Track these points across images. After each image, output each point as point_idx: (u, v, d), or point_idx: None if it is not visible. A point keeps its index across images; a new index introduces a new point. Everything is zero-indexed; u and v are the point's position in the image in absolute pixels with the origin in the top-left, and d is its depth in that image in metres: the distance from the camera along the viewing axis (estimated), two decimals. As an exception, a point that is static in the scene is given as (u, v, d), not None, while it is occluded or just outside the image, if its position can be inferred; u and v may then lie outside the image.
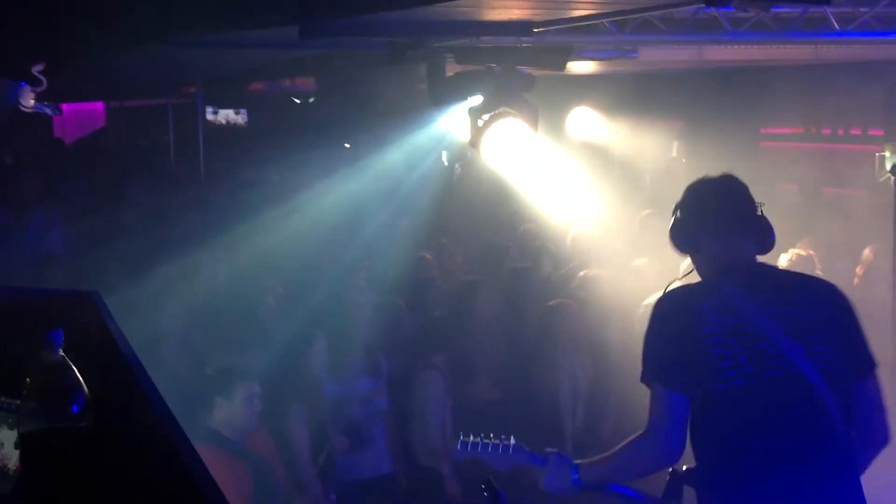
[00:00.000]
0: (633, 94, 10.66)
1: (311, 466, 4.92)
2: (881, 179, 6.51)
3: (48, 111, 5.75)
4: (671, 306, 3.15)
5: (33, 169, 7.76)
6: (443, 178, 10.25)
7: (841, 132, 10.58)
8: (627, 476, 3.26)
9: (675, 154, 11.07)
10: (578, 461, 3.29)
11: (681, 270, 3.89)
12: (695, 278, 3.31)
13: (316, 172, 8.32)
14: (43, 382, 1.66)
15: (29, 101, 5.42)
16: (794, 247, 6.66)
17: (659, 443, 3.06)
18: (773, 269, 3.38)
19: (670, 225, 3.33)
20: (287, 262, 6.61)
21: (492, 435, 3.43)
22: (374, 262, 6.85)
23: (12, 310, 2.17)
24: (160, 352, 4.93)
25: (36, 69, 5.21)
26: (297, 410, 4.89)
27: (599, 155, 10.49)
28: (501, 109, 5.90)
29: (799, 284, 3.29)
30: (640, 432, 3.10)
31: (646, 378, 3.11)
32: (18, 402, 1.68)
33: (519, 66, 5.89)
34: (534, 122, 5.95)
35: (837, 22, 5.66)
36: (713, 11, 5.35)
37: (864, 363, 3.12)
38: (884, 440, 3.12)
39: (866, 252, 6.98)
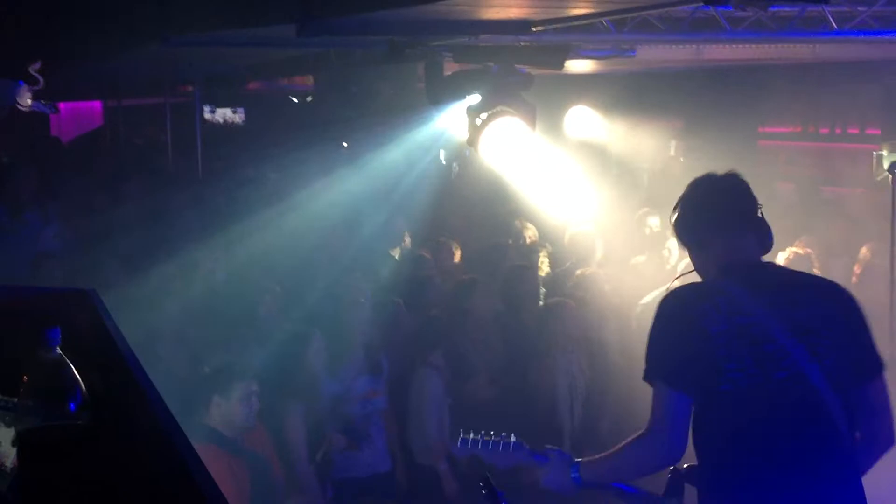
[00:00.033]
0: (631, 93, 10.65)
1: (308, 465, 4.92)
2: (879, 178, 6.49)
3: (45, 110, 5.75)
4: (676, 305, 3.12)
5: (30, 167, 7.72)
6: (441, 176, 10.23)
7: (839, 131, 10.58)
8: (628, 475, 3.24)
9: (673, 153, 11.04)
10: (579, 459, 3.28)
11: (678, 269, 3.88)
12: (694, 277, 3.30)
13: (314, 171, 8.31)
14: (40, 380, 1.66)
15: (26, 99, 5.42)
16: (791, 245, 6.65)
17: (661, 442, 3.03)
18: (780, 269, 3.37)
19: (674, 218, 3.31)
20: (285, 260, 6.60)
21: (492, 432, 3.41)
22: (372, 260, 6.85)
23: (9, 308, 2.16)
24: (158, 350, 4.92)
25: (33, 68, 5.21)
26: (294, 409, 4.90)
27: (597, 154, 10.47)
28: (499, 108, 5.91)
29: (805, 285, 3.26)
30: (641, 431, 3.07)
31: (649, 376, 3.07)
32: (16, 399, 1.68)
33: (517, 64, 5.89)
34: (532, 121, 5.95)
35: (835, 21, 5.65)
36: (711, 10, 5.34)
37: (871, 364, 3.09)
38: (889, 442, 3.09)
39: (864, 251, 6.97)
